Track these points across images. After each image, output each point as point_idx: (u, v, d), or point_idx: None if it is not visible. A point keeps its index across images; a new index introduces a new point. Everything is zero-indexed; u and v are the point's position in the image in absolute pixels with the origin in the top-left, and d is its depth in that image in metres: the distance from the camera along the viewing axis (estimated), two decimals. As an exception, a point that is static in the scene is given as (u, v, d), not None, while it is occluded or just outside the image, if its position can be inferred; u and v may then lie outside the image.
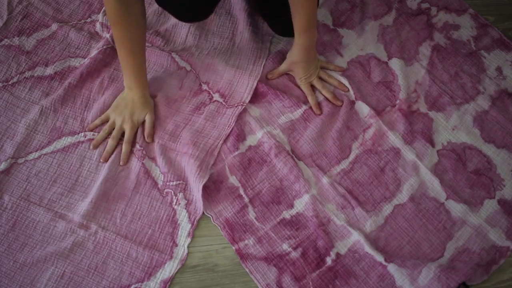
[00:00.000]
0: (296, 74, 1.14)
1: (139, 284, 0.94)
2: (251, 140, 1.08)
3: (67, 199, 1.00)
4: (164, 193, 1.02)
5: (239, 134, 1.08)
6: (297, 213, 1.01)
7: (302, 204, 1.02)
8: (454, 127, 1.12)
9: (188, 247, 0.97)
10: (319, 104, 1.12)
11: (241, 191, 1.03)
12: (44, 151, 1.05)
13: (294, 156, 1.06)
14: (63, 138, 1.06)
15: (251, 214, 1.01)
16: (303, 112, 1.11)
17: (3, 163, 1.01)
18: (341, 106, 1.11)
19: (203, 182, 0.99)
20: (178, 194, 1.01)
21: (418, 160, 1.06)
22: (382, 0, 1.27)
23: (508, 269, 0.99)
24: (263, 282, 0.95)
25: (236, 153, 1.05)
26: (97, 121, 1.07)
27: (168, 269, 0.95)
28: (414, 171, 1.06)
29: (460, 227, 1.01)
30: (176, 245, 0.97)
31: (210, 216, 1.00)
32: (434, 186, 1.04)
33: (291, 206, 1.02)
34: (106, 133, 1.06)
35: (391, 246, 0.99)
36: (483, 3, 1.30)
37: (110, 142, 1.04)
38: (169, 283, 0.94)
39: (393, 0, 1.27)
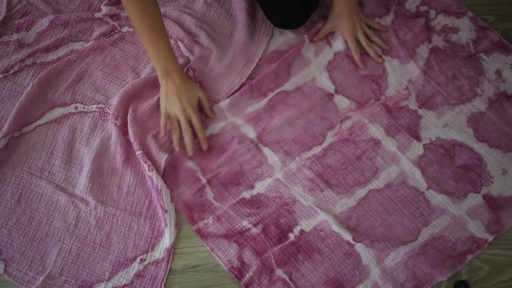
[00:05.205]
0: (341, 28, 1.16)
1: (144, 255, 0.95)
2: (212, 129, 1.08)
3: (65, 172, 1.02)
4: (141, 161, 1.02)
5: (203, 122, 1.07)
6: (258, 193, 1.02)
7: (263, 186, 1.03)
8: (445, 125, 1.10)
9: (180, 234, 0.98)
10: (362, 60, 1.15)
11: (199, 174, 1.04)
12: (38, 122, 1.07)
13: (258, 143, 1.06)
14: (55, 109, 1.08)
15: (209, 194, 1.02)
16: (269, 101, 1.11)
17: (2, 139, 1.03)
18: (382, 63, 1.15)
19: (164, 158, 1.00)
20: (146, 161, 1.00)
21: (399, 152, 1.06)
22: (380, 1, 1.26)
23: (508, 269, 0.97)
24: (225, 258, 0.96)
25: (195, 141, 1.04)
26: (162, 124, 1.02)
27: (168, 237, 0.96)
28: (394, 161, 1.05)
29: (438, 215, 1.00)
30: (166, 211, 0.97)
31: None
32: (415, 176, 1.03)
33: (252, 187, 1.03)
34: (178, 131, 1.01)
35: (362, 226, 0.99)
36: (483, 3, 1.28)
37: (186, 136, 1.00)
38: (171, 250, 0.95)
39: (392, 2, 1.26)
